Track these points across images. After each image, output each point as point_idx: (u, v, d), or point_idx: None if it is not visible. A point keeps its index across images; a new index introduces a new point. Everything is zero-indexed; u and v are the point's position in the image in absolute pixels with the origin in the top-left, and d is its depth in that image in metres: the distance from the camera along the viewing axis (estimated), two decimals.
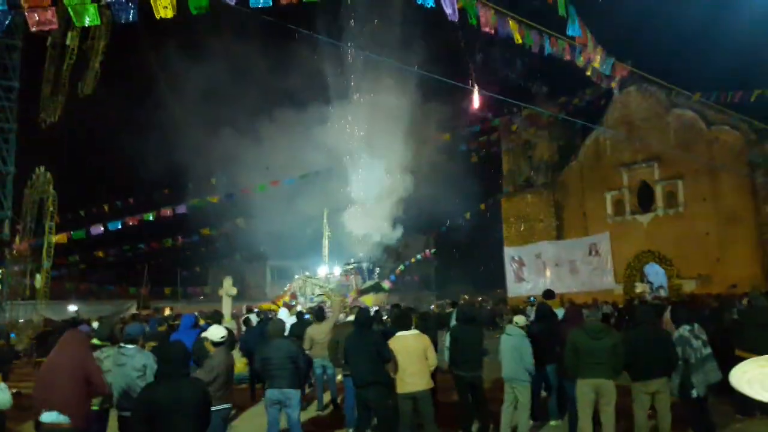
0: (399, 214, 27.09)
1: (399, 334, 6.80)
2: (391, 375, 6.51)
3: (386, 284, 23.86)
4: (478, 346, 7.17)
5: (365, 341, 6.56)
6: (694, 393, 6.66)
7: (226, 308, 16.25)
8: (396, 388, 6.57)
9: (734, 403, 8.05)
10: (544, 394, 8.41)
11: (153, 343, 6.42)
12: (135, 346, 5.65)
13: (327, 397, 9.87)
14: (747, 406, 7.87)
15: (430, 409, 6.64)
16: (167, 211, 27.03)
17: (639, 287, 24.62)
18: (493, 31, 9.82)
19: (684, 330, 6.92)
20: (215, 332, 6.06)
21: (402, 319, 7.15)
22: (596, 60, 10.91)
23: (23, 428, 7.82)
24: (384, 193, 25.12)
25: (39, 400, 4.59)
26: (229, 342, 6.28)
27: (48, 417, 4.47)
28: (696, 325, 6.97)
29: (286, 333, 7.97)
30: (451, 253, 45.86)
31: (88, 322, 12.08)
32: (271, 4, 8.08)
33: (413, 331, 6.92)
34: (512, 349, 7.23)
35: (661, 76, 15.43)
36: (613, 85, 14.04)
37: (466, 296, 28.54)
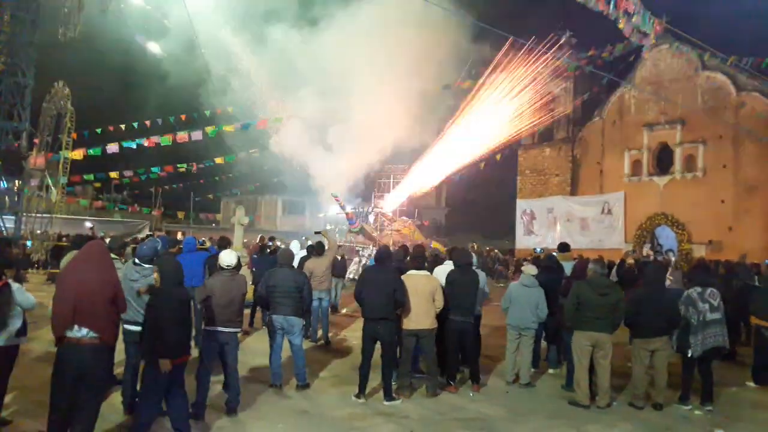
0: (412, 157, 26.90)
1: (411, 272, 6.94)
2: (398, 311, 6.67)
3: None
4: (473, 292, 7.25)
5: (383, 277, 6.67)
6: (690, 353, 6.77)
7: (238, 237, 16.50)
8: (402, 324, 6.75)
9: (748, 371, 8.21)
10: (543, 343, 8.57)
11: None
12: (151, 266, 5.73)
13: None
14: (761, 375, 7.99)
15: (432, 347, 6.85)
16: (184, 137, 27.02)
17: (644, 250, 24.58)
18: None
19: (694, 291, 6.95)
20: (224, 258, 6.22)
21: (416, 259, 7.28)
22: (632, 12, 10.56)
23: (35, 337, 8.05)
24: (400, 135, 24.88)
25: (64, 314, 4.33)
26: (237, 268, 6.43)
27: (78, 332, 4.31)
28: (710, 289, 6.99)
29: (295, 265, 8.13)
30: (463, 201, 45.87)
31: (102, 239, 12.30)
32: None
33: (424, 272, 7.05)
34: (527, 298, 7.38)
35: (696, 37, 14.91)
36: (652, 40, 13.62)
37: (474, 244, 28.64)
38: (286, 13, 23.06)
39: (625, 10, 10.56)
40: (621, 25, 11.09)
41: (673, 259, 21.19)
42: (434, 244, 23.89)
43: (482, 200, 43.75)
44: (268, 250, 12.97)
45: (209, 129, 27.12)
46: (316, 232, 12.14)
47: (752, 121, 22.95)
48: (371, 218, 25.04)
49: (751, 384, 8.03)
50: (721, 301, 6.97)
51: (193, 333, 5.98)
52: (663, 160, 26.23)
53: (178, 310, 4.96)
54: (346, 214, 23.48)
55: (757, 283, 9.64)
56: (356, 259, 20.93)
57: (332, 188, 23.12)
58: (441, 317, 6.93)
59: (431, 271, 7.67)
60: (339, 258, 13.37)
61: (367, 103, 21.98)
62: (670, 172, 25.70)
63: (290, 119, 24.55)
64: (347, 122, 22.99)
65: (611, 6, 10.85)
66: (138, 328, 5.40)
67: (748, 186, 23.01)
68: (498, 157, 32.48)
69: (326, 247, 10.02)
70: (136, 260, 5.87)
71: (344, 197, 23.89)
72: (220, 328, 5.91)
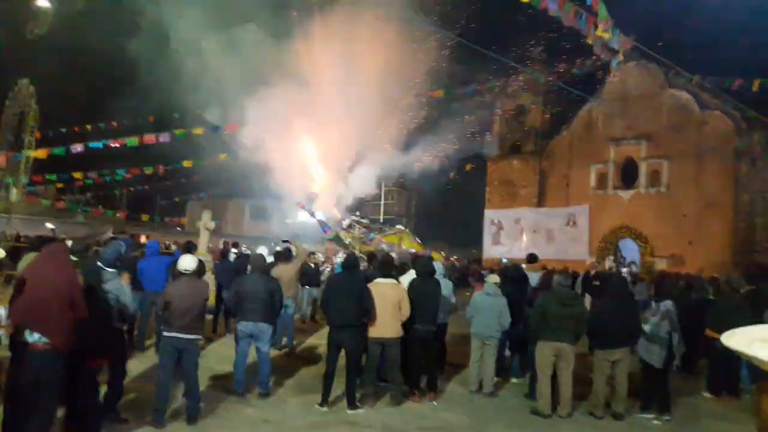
0: (383, 166, 26.92)
1: (378, 280, 6.92)
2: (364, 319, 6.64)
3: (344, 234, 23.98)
4: (435, 300, 7.26)
5: (350, 285, 6.63)
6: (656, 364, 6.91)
7: (203, 241, 16.24)
8: (368, 332, 6.72)
9: (704, 381, 8.40)
10: (507, 352, 8.63)
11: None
12: (115, 270, 5.58)
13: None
14: (715, 385, 8.17)
15: (397, 355, 6.83)
16: (151, 138, 26.58)
17: (607, 262, 25.04)
18: None
19: (669, 304, 7.10)
20: (182, 263, 6.11)
21: (384, 266, 7.27)
22: (602, 30, 10.77)
23: None
24: (370, 144, 24.87)
25: (20, 317, 4.24)
26: (198, 273, 6.33)
27: (30, 337, 4.19)
28: (667, 300, 7.16)
29: None
30: (432, 211, 46.06)
31: (64, 241, 12.01)
32: None
33: (391, 280, 7.04)
34: (490, 307, 7.43)
35: (663, 56, 15.36)
36: (620, 57, 13.93)
37: (443, 253, 28.79)
38: (260, 18, 22.90)
39: (595, 26, 10.77)
40: (590, 41, 11.32)
41: (634, 270, 21.65)
42: (433, 255, 23.82)
43: (451, 210, 44.06)
44: (234, 256, 12.82)
45: (177, 131, 26.74)
46: (284, 241, 12.07)
47: (715, 138, 23.60)
48: (345, 225, 24.82)
49: (707, 395, 8.21)
50: (659, 318, 7.09)
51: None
52: (628, 175, 26.78)
53: (96, 312, 4.81)
54: (318, 221, 23.25)
55: (712, 297, 9.89)
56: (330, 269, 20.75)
57: (300, 195, 22.92)
58: (406, 326, 6.93)
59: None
60: (313, 266, 13.21)
61: (336, 112, 21.93)
62: (634, 186, 26.25)
63: (260, 123, 24.35)
64: (316, 129, 22.89)
65: (582, 22, 11.05)
66: None
67: (709, 202, 23.63)
68: (468, 167, 32.84)
69: (294, 254, 9.95)
70: (99, 264, 5.72)
71: (318, 205, 23.68)
72: (179, 334, 5.79)
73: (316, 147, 22.89)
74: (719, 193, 23.42)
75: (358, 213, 26.04)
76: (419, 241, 25.31)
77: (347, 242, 22.66)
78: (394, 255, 14.18)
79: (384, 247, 22.21)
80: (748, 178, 23.05)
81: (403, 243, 23.93)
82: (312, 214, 23.31)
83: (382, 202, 29.80)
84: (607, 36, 10.91)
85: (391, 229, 25.59)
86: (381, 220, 26.12)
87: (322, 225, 22.93)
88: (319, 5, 22.28)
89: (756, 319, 8.09)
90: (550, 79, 26.45)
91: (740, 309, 8.00)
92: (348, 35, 21.48)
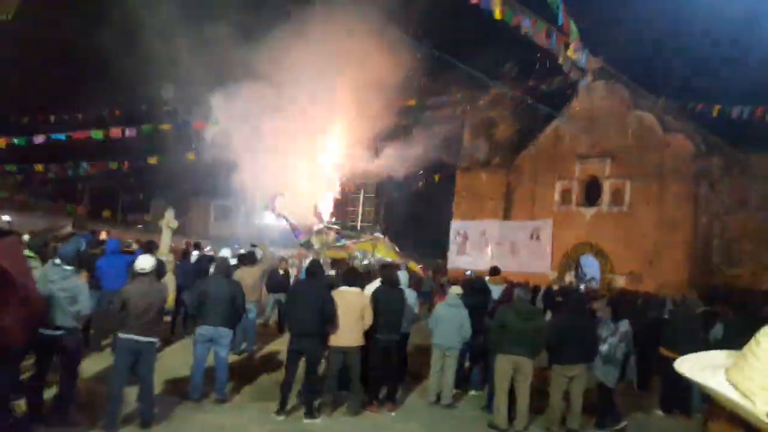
0: (353, 171, 26.92)
1: (342, 288, 6.90)
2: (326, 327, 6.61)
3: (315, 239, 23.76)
4: (398, 310, 7.28)
5: (313, 291, 6.59)
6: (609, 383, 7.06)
7: (165, 240, 15.92)
8: (329, 340, 6.69)
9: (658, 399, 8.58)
10: (467, 364, 8.68)
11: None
12: (73, 267, 5.46)
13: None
14: (667, 404, 8.35)
15: (357, 365, 6.81)
16: (117, 132, 26.07)
17: (568, 278, 25.45)
18: (477, 1, 9.76)
19: (626, 324, 7.25)
20: (138, 263, 6.02)
21: (348, 275, 7.26)
22: (572, 50, 10.98)
23: None
24: (339, 151, 24.86)
25: None
26: (157, 273, 6.23)
27: None
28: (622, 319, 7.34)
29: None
30: (400, 218, 46.11)
31: (19, 235, 11.67)
32: None
33: (355, 289, 7.02)
34: (452, 318, 7.47)
35: (630, 78, 15.75)
36: (589, 77, 14.22)
37: (420, 264, 28.93)
38: (232, 15, 22.67)
39: (566, 45, 10.98)
40: (560, 60, 11.54)
41: (594, 287, 22.04)
42: (410, 265, 23.70)
43: (419, 220, 44.20)
44: (196, 257, 12.64)
45: (144, 126, 26.29)
46: (253, 245, 11.91)
47: (676, 161, 24.25)
48: (315, 229, 24.60)
49: (659, 412, 8.38)
50: (611, 336, 7.24)
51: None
52: (592, 192, 27.28)
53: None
54: (290, 225, 23.01)
55: (666, 316, 10.12)
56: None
57: (267, 195, 22.71)
58: (367, 335, 6.92)
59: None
60: (282, 272, 12.99)
61: (307, 114, 21.86)
62: (597, 203, 26.76)
63: (229, 121, 24.07)
64: (286, 131, 22.74)
65: (553, 41, 11.25)
66: (59, 333, 5.14)
67: (669, 222, 24.21)
68: (437, 177, 33.08)
69: (258, 258, 9.85)
70: (57, 261, 5.59)
71: (288, 208, 23.45)
72: (135, 336, 5.68)
73: (286, 149, 22.73)
74: (679, 214, 24.03)
75: (333, 218, 25.94)
76: (397, 249, 25.19)
77: (317, 247, 22.48)
78: (366, 262, 14.12)
79: (357, 254, 22.09)
80: (707, 201, 23.72)
81: (377, 251, 23.79)
82: (284, 218, 23.10)
83: (360, 208, 29.62)
84: (575, 56, 11.14)
85: (365, 235, 25.44)
86: (359, 227, 25.95)
87: (294, 229, 22.72)
88: (294, 7, 22.22)
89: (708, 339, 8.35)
90: (520, 94, 26.84)
91: (694, 329, 8.21)
92: (321, 39, 21.47)
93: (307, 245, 22.62)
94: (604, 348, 7.05)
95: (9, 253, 4.35)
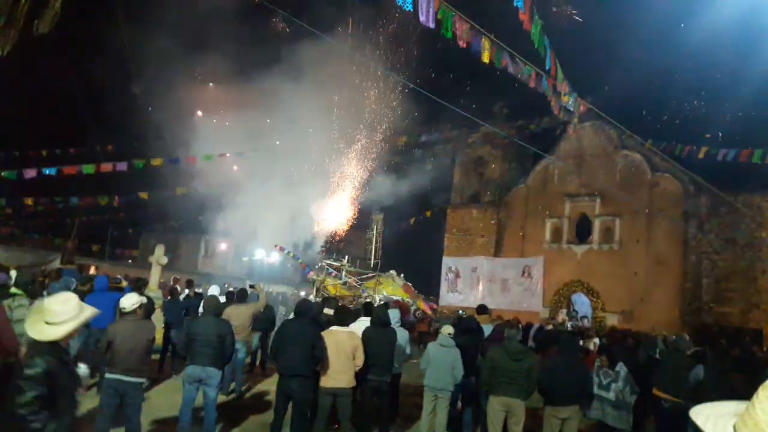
0: (346, 209, 27.00)
1: (333, 328, 6.82)
2: (316, 368, 6.52)
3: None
4: (390, 350, 7.20)
5: (302, 331, 6.51)
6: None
7: (155, 276, 15.83)
8: (319, 381, 6.60)
9: None
10: (459, 405, 8.56)
11: None
12: None
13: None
14: None
15: (348, 407, 6.69)
16: (107, 167, 26.03)
17: (559, 316, 25.39)
18: (465, 45, 9.95)
19: (623, 366, 7.24)
20: (125, 301, 5.96)
21: (339, 314, 7.19)
22: (561, 92, 11.19)
23: None
24: (332, 186, 24.99)
25: None
26: (146, 311, 6.16)
27: None
28: (606, 369, 7.33)
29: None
30: (391, 254, 46.06)
31: (6, 270, 11.55)
32: None
33: (346, 329, 6.95)
34: (443, 359, 7.38)
35: (617, 119, 16.06)
36: (575, 120, 14.48)
37: (432, 303, 28.87)
38: (224, 52, 22.97)
39: (554, 88, 11.19)
40: (552, 103, 11.76)
41: (586, 325, 21.95)
42: (419, 304, 23.55)
43: (411, 256, 44.17)
44: (185, 294, 12.52)
45: (136, 161, 26.29)
46: (251, 286, 11.80)
47: (665, 200, 24.52)
48: (317, 268, 24.48)
49: None
50: (614, 382, 7.21)
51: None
52: (582, 230, 27.45)
53: None
54: (300, 263, 23.00)
55: (658, 356, 10.07)
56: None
57: (263, 234, 22.74)
58: (359, 376, 6.83)
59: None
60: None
61: (300, 151, 22.02)
62: (588, 241, 26.89)
63: (222, 158, 24.17)
64: (280, 168, 22.89)
65: (542, 83, 11.46)
66: None
67: (659, 261, 24.34)
68: (428, 213, 33.23)
69: (249, 295, 9.76)
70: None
71: (290, 247, 23.44)
72: (121, 376, 5.59)
73: (276, 186, 22.84)
74: (668, 252, 24.19)
75: (337, 255, 25.88)
76: (410, 286, 24.97)
77: (315, 285, 22.46)
78: (369, 300, 13.99)
79: (364, 293, 21.99)
80: (696, 240, 23.92)
81: (384, 288, 23.61)
82: (295, 257, 23.08)
83: (374, 245, 29.30)
84: (564, 99, 11.35)
85: (370, 273, 25.25)
86: (372, 264, 25.80)
87: (303, 268, 22.76)
88: (286, 46, 22.59)
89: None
90: (509, 133, 27.19)
91: (686, 370, 8.17)
92: (315, 78, 21.79)
93: (314, 283, 22.61)
94: (611, 395, 7.01)
95: None
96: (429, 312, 24.35)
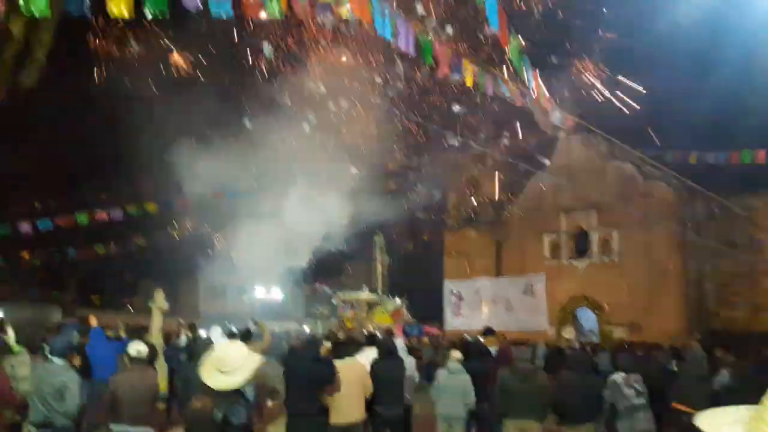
0: (339, 239, 26.88)
1: (335, 362, 6.71)
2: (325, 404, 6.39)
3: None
4: (400, 380, 7.09)
5: (308, 367, 6.41)
6: None
7: (156, 323, 15.63)
8: (329, 417, 6.45)
9: None
10: None
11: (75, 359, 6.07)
12: (62, 361, 5.30)
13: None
14: None
15: None
16: (102, 215, 25.99)
17: (566, 332, 25.22)
18: (447, 71, 10.04)
19: (618, 376, 7.09)
20: (131, 348, 5.91)
21: (337, 348, 7.09)
22: (545, 109, 11.28)
23: None
24: (327, 219, 24.90)
25: None
26: (150, 359, 6.08)
27: None
28: (634, 375, 7.14)
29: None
30: (392, 281, 45.91)
31: (2, 329, 11.41)
32: (231, 15, 7.97)
33: (348, 360, 6.85)
34: (454, 386, 7.26)
35: (605, 130, 16.19)
36: (563, 134, 14.59)
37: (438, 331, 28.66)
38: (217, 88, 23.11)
39: (539, 105, 11.29)
40: (538, 121, 11.90)
41: (594, 340, 21.79)
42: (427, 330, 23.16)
43: (411, 281, 43.97)
44: (186, 339, 12.39)
45: (130, 208, 26.26)
46: (254, 322, 11.68)
47: (660, 208, 24.52)
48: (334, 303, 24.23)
49: None
50: (645, 386, 7.10)
51: None
52: (581, 244, 27.40)
53: None
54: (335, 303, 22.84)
55: (675, 368, 9.88)
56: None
57: (261, 271, 22.57)
58: (370, 408, 6.71)
59: None
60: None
61: (301, 185, 22.01)
62: (587, 255, 26.83)
63: (218, 198, 24.14)
64: (279, 203, 22.85)
65: (528, 100, 11.56)
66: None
67: (660, 270, 24.24)
68: (426, 237, 33.18)
69: (253, 334, 9.63)
70: (48, 355, 5.46)
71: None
72: (128, 427, 5.49)
73: (272, 222, 22.77)
74: (669, 260, 24.12)
75: (334, 284, 25.77)
76: (402, 309, 24.68)
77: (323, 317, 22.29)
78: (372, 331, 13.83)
79: (371, 325, 21.74)
80: (695, 245, 23.88)
81: (375, 317, 23.30)
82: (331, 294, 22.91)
83: (380, 272, 28.91)
84: (553, 115, 11.45)
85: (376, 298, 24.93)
86: (380, 291, 25.48)
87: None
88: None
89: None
90: (499, 152, 27.33)
91: (703, 380, 7.99)
92: (305, 107, 21.90)
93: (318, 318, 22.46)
94: (642, 400, 6.88)
95: None
96: (437, 332, 24.03)
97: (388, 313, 23.78)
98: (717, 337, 19.67)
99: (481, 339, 10.03)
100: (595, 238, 26.60)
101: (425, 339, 24.38)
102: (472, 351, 8.53)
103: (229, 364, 3.60)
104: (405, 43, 8.92)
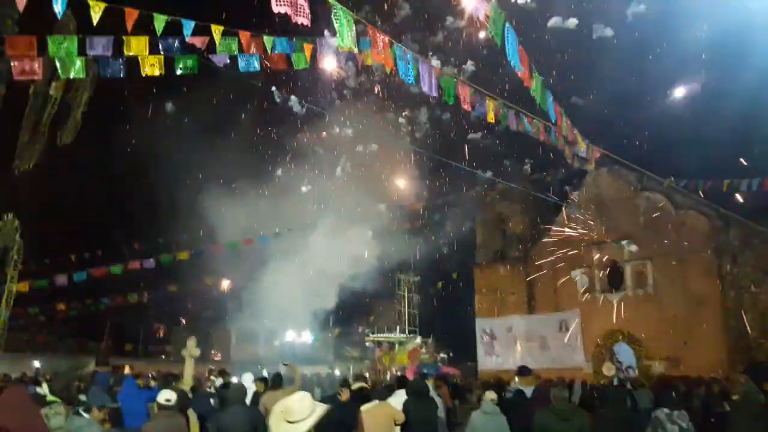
0: (367, 280, 26.86)
1: (362, 408, 6.65)
2: None
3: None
4: (433, 421, 6.97)
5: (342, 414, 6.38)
6: None
7: (188, 371, 15.69)
8: None
9: None
10: None
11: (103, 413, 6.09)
12: (88, 416, 5.35)
13: None
14: None
15: None
16: (135, 265, 26.47)
17: (606, 368, 24.55)
18: (470, 108, 10.13)
19: (661, 412, 6.85)
20: (161, 396, 5.97)
21: (358, 394, 7.07)
22: (571, 142, 11.25)
23: None
24: (355, 260, 24.99)
25: None
26: (181, 406, 6.10)
27: None
28: (677, 411, 6.86)
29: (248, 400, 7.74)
30: (422, 321, 45.55)
31: (38, 382, 11.53)
32: (258, 69, 8.25)
33: (374, 402, 6.79)
34: (489, 428, 7.09)
35: (633, 161, 16.02)
36: (590, 166, 14.47)
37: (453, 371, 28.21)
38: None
39: (565, 139, 11.28)
40: (566, 153, 11.87)
41: (632, 375, 21.13)
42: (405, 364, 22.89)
43: (442, 321, 43.54)
44: (213, 388, 12.40)
45: (162, 257, 26.71)
46: (285, 364, 11.64)
47: (694, 237, 23.99)
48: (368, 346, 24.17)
49: None
50: (691, 423, 6.81)
51: None
52: (614, 277, 26.85)
53: None
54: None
55: (727, 409, 9.33)
56: None
57: (291, 315, 22.68)
58: None
59: None
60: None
61: (325, 231, 22.24)
62: (621, 288, 26.26)
63: (249, 245, 24.46)
64: (308, 246, 23.06)
65: (551, 135, 11.56)
66: None
67: (697, 300, 23.56)
68: (455, 275, 32.91)
69: (284, 379, 9.59)
70: (78, 408, 5.51)
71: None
72: None
73: (300, 268, 22.94)
74: (706, 291, 23.46)
75: (367, 325, 25.73)
76: (421, 349, 24.40)
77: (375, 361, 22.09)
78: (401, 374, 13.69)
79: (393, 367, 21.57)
80: (732, 274, 23.23)
81: (398, 359, 23.12)
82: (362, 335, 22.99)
83: (407, 311, 28.43)
84: (580, 147, 11.41)
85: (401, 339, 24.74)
86: (407, 331, 25.23)
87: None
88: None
89: None
90: (526, 187, 27.23)
91: (762, 417, 7.54)
92: (331, 149, 22.27)
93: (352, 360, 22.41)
94: None
95: (18, 405, 4.16)
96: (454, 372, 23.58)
97: (406, 353, 23.57)
98: (761, 369, 18.91)
99: (516, 379, 9.83)
100: (628, 270, 26.07)
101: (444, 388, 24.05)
102: (509, 392, 8.37)
103: (296, 414, 3.82)
104: (428, 86, 9.06)
